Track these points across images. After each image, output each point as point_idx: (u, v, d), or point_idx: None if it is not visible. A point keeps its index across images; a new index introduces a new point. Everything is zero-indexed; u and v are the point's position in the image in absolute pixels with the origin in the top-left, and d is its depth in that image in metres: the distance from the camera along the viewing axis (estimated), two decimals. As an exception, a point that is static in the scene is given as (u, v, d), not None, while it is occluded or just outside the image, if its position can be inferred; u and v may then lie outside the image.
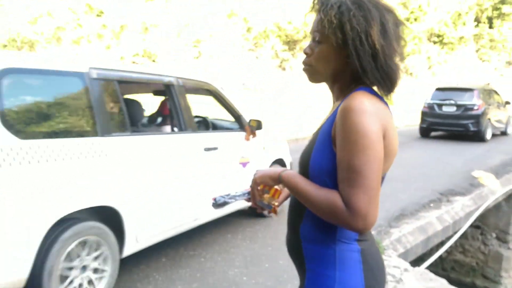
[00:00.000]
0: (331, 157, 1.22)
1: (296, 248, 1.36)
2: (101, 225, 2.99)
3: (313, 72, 1.34)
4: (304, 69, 1.36)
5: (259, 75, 33.32)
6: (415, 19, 37.00)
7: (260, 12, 38.70)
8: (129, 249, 3.27)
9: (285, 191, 1.55)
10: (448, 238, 5.86)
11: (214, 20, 39.98)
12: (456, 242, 8.72)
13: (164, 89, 4.04)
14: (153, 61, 43.15)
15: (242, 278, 3.51)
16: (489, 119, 11.94)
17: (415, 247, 4.77)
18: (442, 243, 5.83)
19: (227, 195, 1.48)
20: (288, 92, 25.67)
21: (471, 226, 8.44)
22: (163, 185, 3.49)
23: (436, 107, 12.16)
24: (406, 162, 8.61)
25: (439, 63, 36.55)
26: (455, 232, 5.93)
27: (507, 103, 13.82)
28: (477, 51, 36.16)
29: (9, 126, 2.53)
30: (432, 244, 5.29)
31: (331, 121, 1.26)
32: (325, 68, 1.31)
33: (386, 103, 1.28)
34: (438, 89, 12.89)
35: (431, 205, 5.89)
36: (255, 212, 4.86)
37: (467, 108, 11.62)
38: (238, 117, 4.63)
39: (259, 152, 4.77)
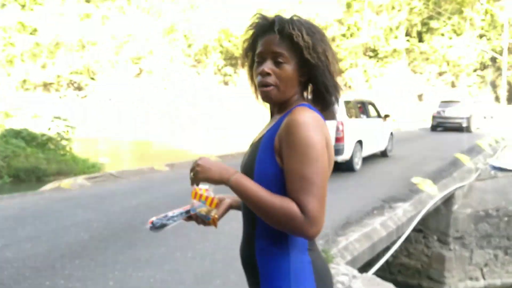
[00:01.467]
0: (274, 166, 1.27)
1: (251, 261, 1.37)
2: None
3: (275, 92, 1.35)
4: (266, 90, 1.36)
5: (202, 91, 33.17)
6: (351, 35, 38.54)
7: (201, 29, 38.72)
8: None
9: (224, 204, 1.54)
10: (393, 243, 6.06)
11: (154, 36, 39.55)
12: (401, 246, 9.02)
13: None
14: (92, 78, 41.87)
15: (194, 296, 3.45)
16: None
17: (362, 253, 4.89)
18: (387, 248, 6.00)
19: (165, 216, 1.44)
20: (231, 106, 25.78)
21: (414, 230, 8.75)
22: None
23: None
24: (346, 173, 8.87)
25: (375, 76, 38.16)
26: (399, 237, 6.14)
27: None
28: (409, 64, 38.06)
29: None
30: (378, 249, 5.45)
31: (273, 133, 1.31)
32: (287, 87, 1.35)
33: (323, 118, 1.36)
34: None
35: (375, 212, 6.08)
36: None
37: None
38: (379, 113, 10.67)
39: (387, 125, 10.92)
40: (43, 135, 14.91)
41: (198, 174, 1.30)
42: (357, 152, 9.02)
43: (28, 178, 11.77)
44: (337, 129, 8.18)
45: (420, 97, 36.68)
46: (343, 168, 8.76)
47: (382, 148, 10.84)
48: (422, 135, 17.67)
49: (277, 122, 1.32)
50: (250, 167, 1.33)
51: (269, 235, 1.31)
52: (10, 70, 42.14)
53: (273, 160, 1.28)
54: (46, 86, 43.03)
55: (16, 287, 3.53)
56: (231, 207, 1.56)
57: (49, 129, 14.96)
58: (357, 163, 9.08)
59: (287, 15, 1.39)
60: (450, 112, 19.05)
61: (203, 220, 1.43)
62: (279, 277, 1.29)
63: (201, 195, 1.39)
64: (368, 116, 10.25)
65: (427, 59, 36.81)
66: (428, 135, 17.98)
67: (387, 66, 37.94)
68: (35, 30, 43.94)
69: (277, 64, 1.34)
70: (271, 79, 1.35)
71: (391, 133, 11.37)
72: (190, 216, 1.45)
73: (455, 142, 14.49)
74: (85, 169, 12.58)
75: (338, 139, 8.18)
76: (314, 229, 1.19)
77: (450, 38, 35.79)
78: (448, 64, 35.66)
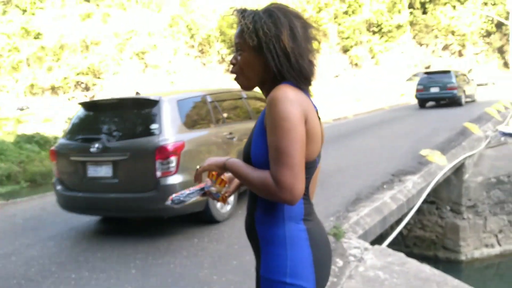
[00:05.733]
0: (266, 146, 1.38)
1: (252, 230, 1.51)
2: None
3: (242, 80, 1.52)
4: (235, 79, 1.53)
5: (208, 81, 33.23)
6: (353, 12, 38.18)
7: (202, 19, 38.59)
8: None
9: (235, 182, 1.71)
10: (405, 216, 6.16)
11: (156, 30, 39.53)
12: (414, 218, 9.14)
13: None
14: (98, 78, 42.09)
15: (212, 277, 3.61)
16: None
17: (373, 227, 5.00)
18: (399, 221, 6.11)
19: (182, 193, 1.59)
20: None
21: (427, 202, 8.86)
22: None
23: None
24: (356, 150, 8.96)
25: (381, 51, 37.86)
26: (410, 209, 6.23)
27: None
28: (414, 36, 37.66)
29: None
30: (389, 222, 5.56)
31: (262, 115, 1.44)
32: (250, 73, 1.48)
33: (308, 95, 1.46)
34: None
35: (384, 186, 6.18)
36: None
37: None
38: None
39: None
40: (55, 138, 15.19)
41: (202, 165, 1.55)
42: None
43: (44, 182, 12.00)
44: None
45: (427, 69, 36.39)
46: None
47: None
48: (431, 108, 17.58)
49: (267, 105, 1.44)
50: (247, 151, 1.47)
51: (266, 206, 1.45)
52: (17, 76, 42.63)
53: (265, 140, 1.38)
54: (54, 89, 43.44)
55: (44, 282, 3.72)
56: (241, 184, 1.70)
57: (63, 131, 15.25)
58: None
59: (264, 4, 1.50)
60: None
61: (214, 197, 1.60)
62: (276, 243, 1.42)
63: (213, 175, 1.56)
64: None
65: (432, 30, 36.39)
66: (437, 107, 17.88)
67: (392, 40, 37.62)
68: (39, 34, 44.30)
69: (239, 53, 1.49)
70: (234, 68, 1.51)
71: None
72: (204, 193, 1.60)
73: (464, 112, 14.45)
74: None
75: None
76: (288, 195, 1.30)
77: (454, 7, 35.27)
78: (453, 34, 35.19)
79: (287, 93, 1.34)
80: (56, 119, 28.40)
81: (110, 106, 5.05)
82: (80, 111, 5.07)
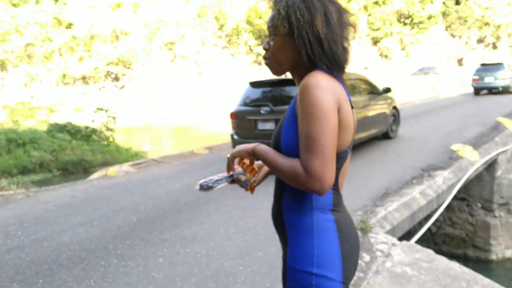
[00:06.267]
0: (297, 133, 1.36)
1: (279, 217, 1.50)
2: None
3: (274, 65, 1.49)
4: (266, 64, 1.51)
5: (236, 72, 33.20)
6: (383, 2, 37.46)
7: (230, 9, 38.57)
8: None
9: (263, 171, 1.69)
10: (434, 212, 6.05)
11: (185, 20, 39.73)
12: (444, 215, 8.98)
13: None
14: (128, 67, 42.63)
15: (238, 268, 3.63)
16: None
17: (402, 223, 4.93)
18: (428, 217, 6.01)
19: (211, 179, 1.60)
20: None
21: (457, 198, 8.69)
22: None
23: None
24: (384, 143, 8.83)
25: (412, 43, 37.08)
26: (440, 205, 6.12)
27: None
28: (446, 28, 36.71)
29: None
30: (418, 218, 5.46)
31: (294, 102, 1.42)
32: (282, 58, 1.46)
33: (341, 83, 1.43)
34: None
35: (414, 181, 6.07)
36: (244, 202, 5.00)
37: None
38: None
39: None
40: (86, 127, 15.48)
41: (232, 152, 1.53)
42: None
43: (75, 170, 12.28)
44: None
45: (460, 61, 35.47)
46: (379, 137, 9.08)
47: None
48: (462, 101, 17.18)
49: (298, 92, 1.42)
50: (277, 138, 1.45)
51: (294, 194, 1.44)
52: (49, 66, 43.60)
53: (296, 127, 1.37)
54: (84, 79, 44.31)
55: (74, 268, 3.82)
56: (269, 173, 1.70)
57: (93, 120, 15.51)
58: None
59: None
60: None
61: (242, 185, 1.60)
62: (303, 232, 1.41)
63: (243, 163, 1.57)
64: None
65: (465, 21, 35.38)
66: (469, 100, 17.48)
67: (424, 32, 36.79)
68: (70, 24, 45.15)
69: (271, 38, 1.47)
70: (267, 54, 1.49)
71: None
72: (233, 180, 1.60)
73: (497, 106, 14.05)
74: (129, 158, 12.98)
75: None
76: (318, 185, 1.27)
77: (488, -3, 34.16)
78: (487, 25, 34.13)
79: (320, 81, 1.31)
80: (86, 109, 28.97)
81: (270, 84, 7.23)
82: (248, 88, 7.49)
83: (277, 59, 1.47)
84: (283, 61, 1.46)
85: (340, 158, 1.41)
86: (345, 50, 1.42)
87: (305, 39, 1.37)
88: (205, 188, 1.60)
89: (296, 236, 1.43)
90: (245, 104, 7.34)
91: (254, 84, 7.47)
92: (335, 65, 1.39)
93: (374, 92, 8.61)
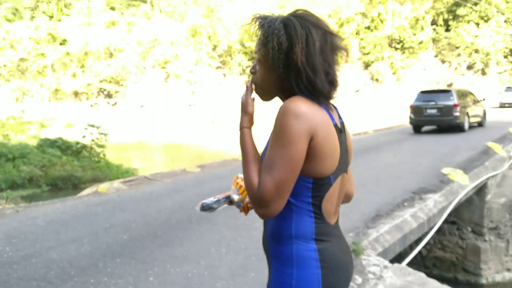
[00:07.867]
0: None
1: (265, 244, 1.49)
2: None
3: (260, 90, 1.47)
4: (254, 89, 1.48)
5: (229, 92, 33.42)
6: (375, 27, 38.10)
7: (224, 30, 38.94)
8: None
9: None
10: (425, 235, 6.06)
11: (179, 40, 40.02)
12: (434, 239, 8.99)
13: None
14: (121, 85, 42.73)
15: (230, 289, 3.60)
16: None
17: (393, 245, 4.94)
18: (419, 240, 6.02)
19: (211, 200, 1.60)
20: (258, 106, 25.88)
21: (447, 222, 8.71)
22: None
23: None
24: (376, 166, 8.89)
25: (403, 67, 37.60)
26: (431, 228, 6.13)
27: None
28: (436, 55, 37.34)
29: None
30: (409, 241, 5.47)
31: None
32: (265, 84, 1.44)
33: (326, 109, 1.38)
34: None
35: (405, 204, 6.10)
36: (236, 222, 4.98)
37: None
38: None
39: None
40: (77, 143, 15.42)
41: (241, 101, 1.48)
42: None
43: (65, 186, 12.17)
44: None
45: (449, 86, 35.98)
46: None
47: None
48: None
49: None
50: (263, 150, 1.44)
51: (277, 222, 1.40)
52: (42, 81, 43.51)
53: None
54: (77, 95, 44.22)
55: (63, 285, 3.76)
56: None
57: (84, 136, 15.46)
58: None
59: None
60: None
61: (236, 206, 1.59)
62: (282, 261, 1.38)
63: (237, 183, 1.56)
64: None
65: (457, 47, 36.00)
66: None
67: (414, 57, 37.36)
68: (64, 40, 45.25)
69: (256, 62, 1.46)
70: (254, 78, 1.48)
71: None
72: (231, 201, 1.60)
73: (487, 131, 14.23)
74: (119, 175, 12.92)
75: None
76: (263, 207, 1.26)
77: (478, 25, 34.90)
78: (476, 52, 34.78)
79: (296, 107, 1.28)
80: (78, 125, 28.84)
81: (433, 91, 15.01)
82: (419, 94, 14.80)
83: (262, 85, 1.45)
84: (267, 87, 1.45)
85: (322, 185, 1.36)
86: (328, 77, 1.37)
87: (280, 67, 1.35)
88: (206, 208, 1.60)
89: (276, 264, 1.41)
90: (418, 100, 14.34)
91: (423, 92, 14.84)
92: (315, 93, 1.35)
93: (475, 100, 15.41)
